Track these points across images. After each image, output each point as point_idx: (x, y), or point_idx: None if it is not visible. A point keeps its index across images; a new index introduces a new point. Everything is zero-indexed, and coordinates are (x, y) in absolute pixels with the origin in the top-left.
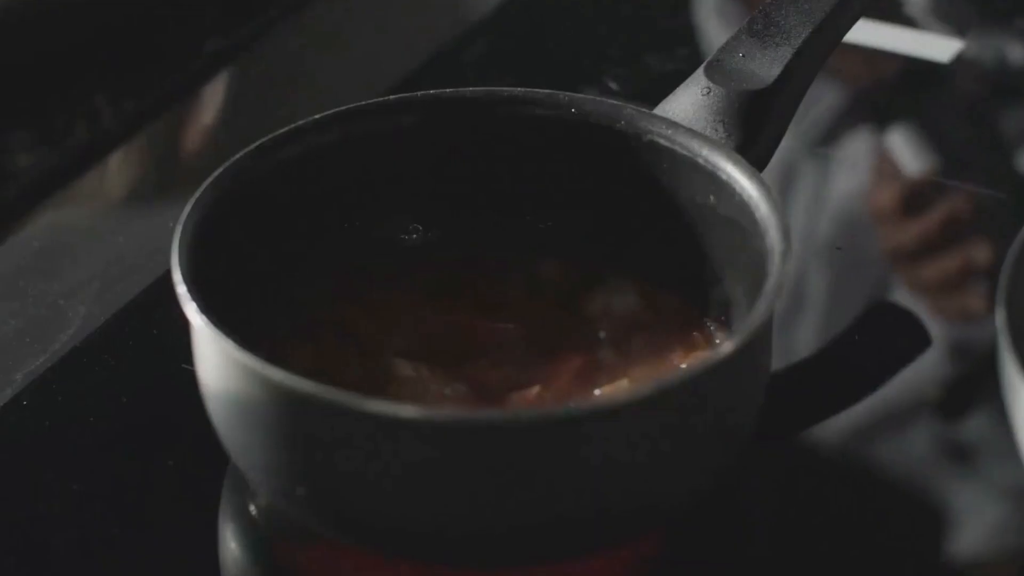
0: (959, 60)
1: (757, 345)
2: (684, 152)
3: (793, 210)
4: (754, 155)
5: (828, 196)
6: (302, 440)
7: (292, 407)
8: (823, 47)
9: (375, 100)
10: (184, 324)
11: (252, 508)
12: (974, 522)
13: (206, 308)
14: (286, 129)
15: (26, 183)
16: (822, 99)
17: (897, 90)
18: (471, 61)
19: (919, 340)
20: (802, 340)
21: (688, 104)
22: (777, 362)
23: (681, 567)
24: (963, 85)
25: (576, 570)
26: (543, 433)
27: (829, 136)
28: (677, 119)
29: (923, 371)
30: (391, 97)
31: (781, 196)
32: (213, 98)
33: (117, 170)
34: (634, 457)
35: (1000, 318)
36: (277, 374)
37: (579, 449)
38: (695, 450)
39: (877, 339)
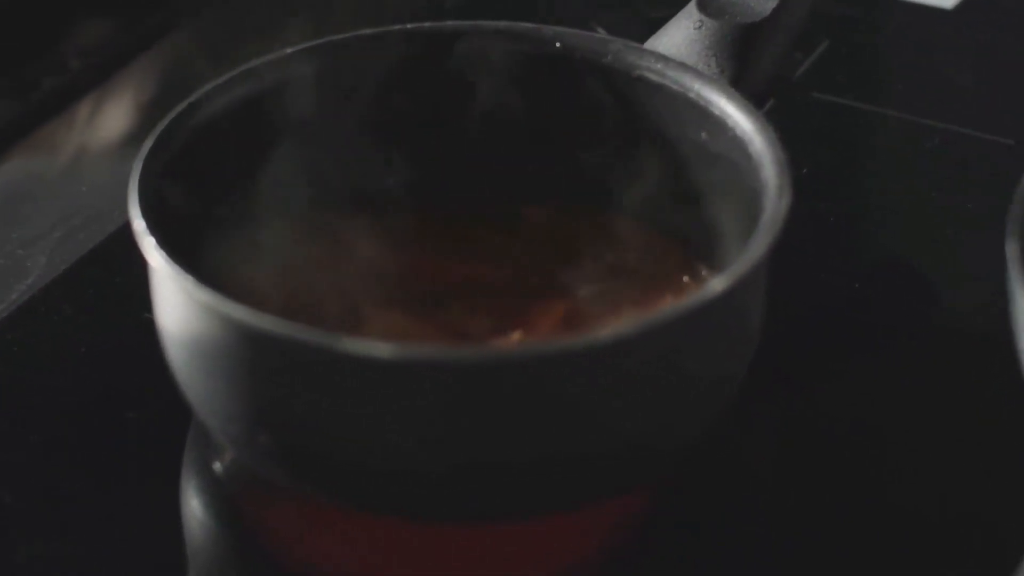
0: (964, 6)
1: (750, 284)
2: (675, 87)
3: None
4: (748, 90)
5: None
6: (265, 384)
7: (256, 347)
8: None
9: (350, 34)
10: (146, 271)
11: (216, 465)
12: (980, 478)
13: (165, 243)
14: (255, 63)
15: None
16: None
17: (901, 37)
18: (454, 5)
19: (923, 296)
20: (802, 295)
21: (680, 38)
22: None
23: (668, 528)
24: (967, 32)
25: (560, 528)
26: (522, 372)
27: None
28: (668, 54)
29: (926, 326)
30: (367, 31)
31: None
32: (179, 48)
33: (81, 120)
34: (616, 400)
35: (1011, 250)
36: (240, 311)
37: (558, 389)
38: (682, 395)
39: (880, 295)
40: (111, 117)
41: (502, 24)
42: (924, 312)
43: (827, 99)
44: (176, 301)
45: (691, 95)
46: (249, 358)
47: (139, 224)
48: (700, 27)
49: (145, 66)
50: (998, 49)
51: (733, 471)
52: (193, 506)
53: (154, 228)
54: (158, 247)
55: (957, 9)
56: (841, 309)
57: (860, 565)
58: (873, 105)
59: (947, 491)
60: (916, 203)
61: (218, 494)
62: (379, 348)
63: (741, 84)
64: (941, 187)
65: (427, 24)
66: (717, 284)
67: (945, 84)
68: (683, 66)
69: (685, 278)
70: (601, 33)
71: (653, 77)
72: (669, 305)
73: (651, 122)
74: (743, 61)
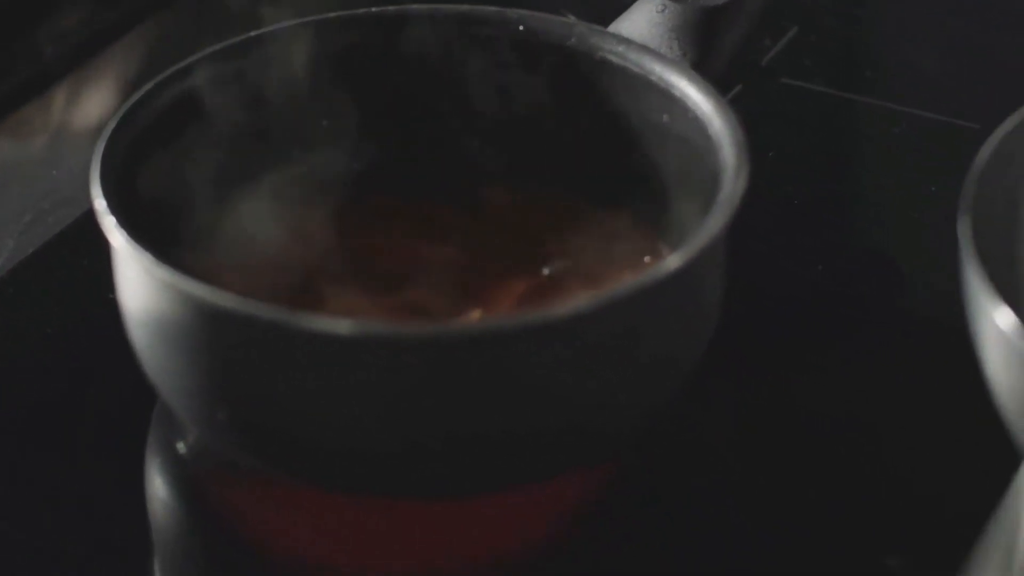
0: None
1: (707, 261)
2: (637, 70)
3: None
4: (711, 74)
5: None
6: (224, 361)
7: (214, 324)
8: None
9: (315, 17)
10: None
11: (180, 446)
12: (939, 455)
13: (125, 222)
14: (219, 45)
15: None
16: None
17: (869, 23)
18: None
19: (888, 280)
20: (767, 279)
21: (642, 21)
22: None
23: (628, 505)
24: (935, 18)
25: (517, 504)
26: (479, 348)
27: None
28: (631, 37)
29: (891, 310)
30: (329, 15)
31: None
32: (154, 35)
33: (55, 106)
34: (574, 376)
35: (962, 227)
36: (198, 288)
37: (515, 365)
38: (639, 372)
39: (845, 279)
40: (85, 103)
41: (466, 8)
42: (888, 296)
43: (795, 84)
44: (136, 279)
45: (652, 77)
46: (208, 335)
47: (100, 203)
48: (663, 10)
49: (120, 52)
50: (965, 35)
51: (693, 450)
52: (157, 485)
53: (115, 208)
54: (118, 226)
55: None
56: (805, 293)
57: (819, 543)
58: (841, 90)
59: (905, 471)
60: (882, 187)
61: (182, 474)
62: (336, 324)
63: (703, 67)
64: (907, 171)
65: (392, 8)
66: (673, 261)
67: (912, 70)
68: (645, 49)
69: (647, 259)
70: (570, 18)
71: (615, 60)
72: (625, 281)
73: (613, 104)
74: (705, 44)
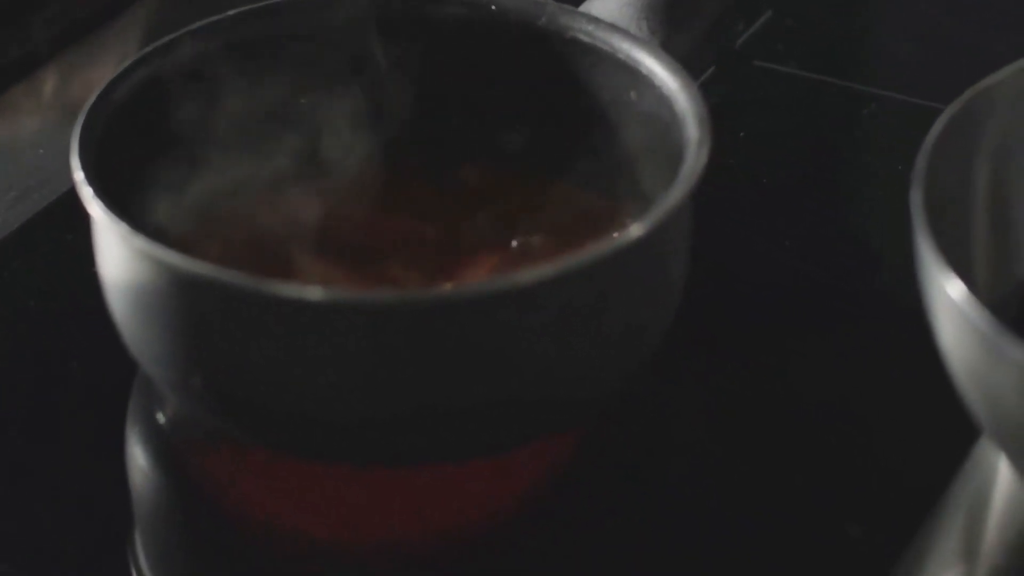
0: None
1: (670, 230)
2: (606, 48)
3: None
4: (680, 53)
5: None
6: (197, 328)
7: (187, 291)
8: None
9: None
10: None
11: (160, 416)
12: (894, 427)
13: (103, 193)
14: (198, 24)
15: None
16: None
17: (841, 7)
18: None
19: (858, 260)
20: (737, 259)
21: (613, 2)
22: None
23: (606, 479)
24: (905, 1)
25: (484, 472)
26: (446, 314)
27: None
28: (601, 16)
29: (861, 290)
30: None
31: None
32: (144, 17)
33: (43, 87)
34: (538, 342)
35: (915, 199)
36: (172, 256)
37: (481, 332)
38: (604, 340)
39: (816, 259)
40: (73, 85)
41: None
42: (860, 275)
43: (768, 67)
44: (114, 248)
45: (620, 56)
46: (182, 303)
47: (79, 175)
48: None
49: (108, 35)
50: (935, 17)
51: (669, 430)
52: (137, 455)
53: (93, 179)
54: (95, 196)
55: None
56: (777, 274)
57: (787, 515)
58: (814, 73)
59: (868, 448)
60: (854, 168)
61: (162, 444)
62: (308, 291)
63: (672, 47)
64: (879, 153)
65: None
66: (636, 230)
67: (885, 53)
68: (614, 28)
69: (615, 235)
70: None
71: (584, 39)
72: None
73: (583, 82)
74: (674, 25)
